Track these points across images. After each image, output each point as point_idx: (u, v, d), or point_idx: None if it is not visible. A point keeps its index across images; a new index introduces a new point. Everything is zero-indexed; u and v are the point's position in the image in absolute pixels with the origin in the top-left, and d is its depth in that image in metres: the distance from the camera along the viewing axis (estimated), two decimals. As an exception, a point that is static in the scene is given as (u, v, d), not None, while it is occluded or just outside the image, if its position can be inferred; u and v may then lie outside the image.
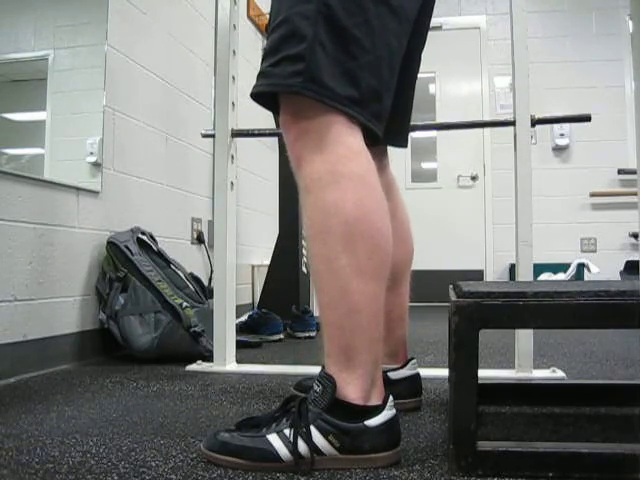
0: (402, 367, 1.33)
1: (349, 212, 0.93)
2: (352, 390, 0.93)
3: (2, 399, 1.44)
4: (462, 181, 4.93)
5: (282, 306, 2.83)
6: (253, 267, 3.56)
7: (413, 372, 1.34)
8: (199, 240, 2.87)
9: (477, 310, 0.89)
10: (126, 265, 2.02)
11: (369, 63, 0.97)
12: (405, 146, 1.36)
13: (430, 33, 1.28)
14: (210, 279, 2.86)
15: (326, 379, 0.93)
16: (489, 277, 4.86)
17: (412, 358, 1.35)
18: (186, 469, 0.93)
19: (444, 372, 1.42)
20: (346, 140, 0.96)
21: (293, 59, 0.95)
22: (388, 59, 1.01)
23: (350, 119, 0.97)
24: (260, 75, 1.01)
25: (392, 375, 1.30)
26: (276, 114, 1.06)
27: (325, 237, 0.94)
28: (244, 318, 2.65)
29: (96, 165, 2.11)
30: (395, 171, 1.39)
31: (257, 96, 1.03)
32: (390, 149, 1.37)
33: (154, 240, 2.26)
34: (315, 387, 0.94)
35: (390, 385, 1.21)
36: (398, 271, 1.32)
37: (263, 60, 1.01)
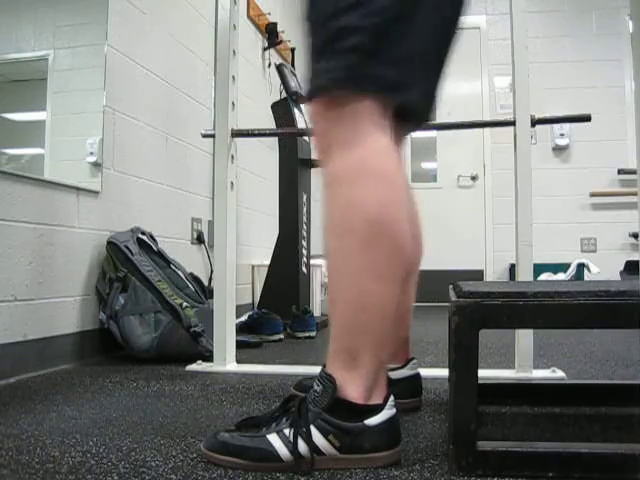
0: (403, 367, 1.33)
1: (372, 211, 0.91)
2: (353, 389, 0.93)
3: (2, 399, 1.44)
4: (462, 181, 4.93)
5: (282, 306, 2.83)
6: (253, 267, 3.56)
7: (413, 372, 1.34)
8: (199, 240, 2.87)
9: (477, 310, 0.89)
10: (126, 265, 2.02)
11: (415, 51, 0.96)
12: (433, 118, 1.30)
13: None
14: (210, 279, 2.86)
15: (326, 379, 0.93)
16: (489, 277, 4.85)
17: (413, 358, 1.35)
18: (186, 469, 0.93)
19: (444, 372, 1.42)
20: (376, 136, 0.95)
21: (346, 52, 0.93)
22: (434, 44, 1.01)
23: (384, 108, 0.95)
24: (315, 72, 0.98)
25: (392, 375, 1.30)
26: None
27: (344, 234, 0.93)
28: (244, 318, 2.65)
29: (96, 165, 2.11)
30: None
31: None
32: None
33: (154, 240, 2.26)
34: (315, 387, 0.94)
35: (390, 385, 1.21)
36: (408, 270, 1.31)
37: (314, 57, 0.99)
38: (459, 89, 4.96)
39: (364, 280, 0.92)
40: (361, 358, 0.93)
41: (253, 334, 2.53)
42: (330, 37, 0.95)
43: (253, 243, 3.59)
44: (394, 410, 0.94)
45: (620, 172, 4.63)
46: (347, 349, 0.94)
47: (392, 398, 0.95)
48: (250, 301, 3.52)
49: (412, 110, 1.01)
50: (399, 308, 1.30)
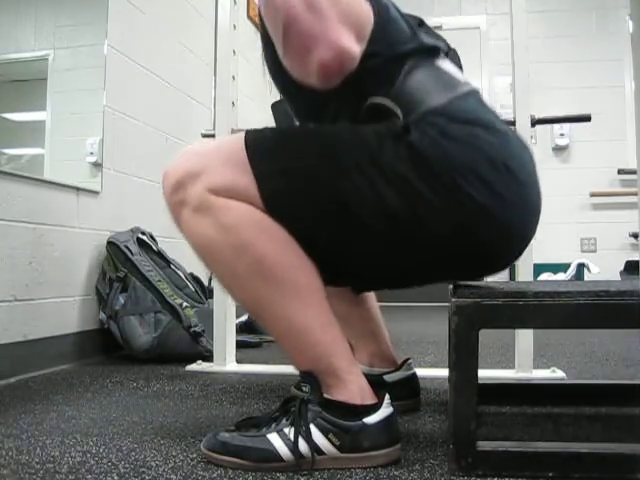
0: (398, 369, 1.33)
1: (251, 255, 0.93)
2: (343, 393, 0.94)
3: (2, 399, 1.44)
4: (462, 181, 4.92)
5: (282, 306, 2.81)
6: (253, 267, 3.55)
7: (409, 373, 1.33)
8: (199, 240, 2.87)
9: (477, 310, 0.89)
10: (126, 265, 2.02)
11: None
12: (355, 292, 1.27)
13: None
14: (210, 279, 2.85)
15: (307, 376, 0.95)
16: (489, 277, 4.85)
17: (408, 359, 1.35)
18: (186, 469, 0.93)
19: (444, 372, 1.42)
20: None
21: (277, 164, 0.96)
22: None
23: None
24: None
25: (388, 378, 1.30)
26: None
27: (241, 284, 0.96)
28: (244, 318, 2.65)
29: (96, 165, 2.11)
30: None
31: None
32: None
33: (154, 240, 2.26)
34: (304, 388, 0.96)
35: (388, 388, 1.21)
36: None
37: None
38: (459, 89, 4.96)
39: (284, 311, 0.95)
40: (331, 365, 0.94)
41: (253, 334, 2.53)
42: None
43: (253, 243, 3.58)
44: (391, 408, 0.95)
45: (620, 172, 4.63)
46: (313, 365, 0.96)
47: (387, 397, 0.95)
48: (250, 301, 3.52)
49: None
50: (369, 320, 1.36)
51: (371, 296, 1.38)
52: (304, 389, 0.95)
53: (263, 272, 0.93)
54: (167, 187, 0.98)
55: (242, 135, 1.00)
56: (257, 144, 0.98)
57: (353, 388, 0.94)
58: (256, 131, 1.02)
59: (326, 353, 0.95)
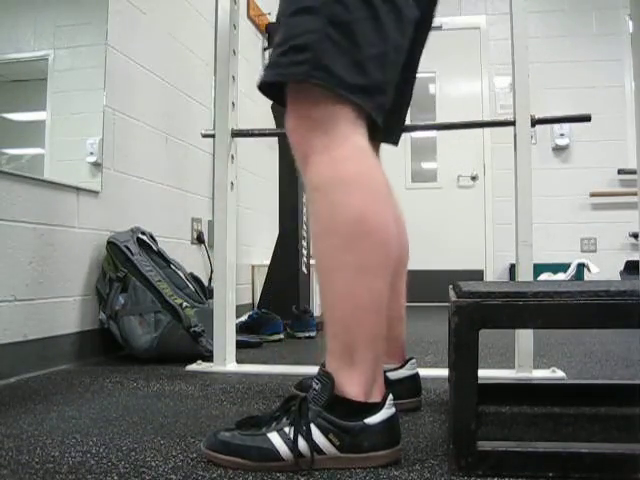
0: (401, 367, 1.33)
1: (354, 212, 0.94)
2: (353, 386, 0.93)
3: (2, 399, 1.44)
4: (462, 181, 4.92)
5: (282, 306, 2.83)
6: (253, 267, 3.56)
7: (412, 372, 1.34)
8: (199, 240, 2.87)
9: (477, 310, 0.89)
10: (126, 265, 2.02)
11: (375, 56, 0.97)
12: (396, 143, 1.36)
13: (430, 33, 1.28)
14: (210, 279, 2.86)
15: (324, 376, 0.94)
16: (489, 277, 4.85)
17: (411, 358, 1.35)
18: (186, 469, 0.93)
19: (444, 372, 1.42)
20: (352, 139, 0.97)
21: (300, 49, 0.95)
22: (393, 54, 1.01)
23: (357, 112, 0.97)
24: (267, 66, 1.01)
25: (391, 375, 1.30)
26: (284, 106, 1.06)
27: (331, 235, 0.95)
28: (244, 318, 2.65)
29: (96, 165, 2.11)
30: (395, 171, 1.40)
31: (264, 87, 1.03)
32: (391, 148, 1.37)
33: (154, 240, 2.26)
34: (314, 385, 0.95)
35: (389, 385, 1.21)
36: (395, 270, 1.32)
37: (272, 54, 1.01)
38: (459, 89, 4.96)
39: (352, 277, 0.94)
40: (358, 354, 0.94)
41: (253, 334, 2.53)
42: (287, 35, 0.98)
43: (253, 243, 3.59)
44: (393, 409, 0.95)
45: (620, 172, 4.63)
46: (343, 346, 0.95)
47: (390, 397, 0.95)
48: (250, 301, 3.52)
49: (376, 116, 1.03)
50: (392, 310, 1.32)
51: (402, 292, 1.36)
52: (315, 386, 0.94)
53: (348, 235, 0.93)
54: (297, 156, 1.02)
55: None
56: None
57: (362, 383, 0.93)
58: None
59: (362, 337, 0.94)
